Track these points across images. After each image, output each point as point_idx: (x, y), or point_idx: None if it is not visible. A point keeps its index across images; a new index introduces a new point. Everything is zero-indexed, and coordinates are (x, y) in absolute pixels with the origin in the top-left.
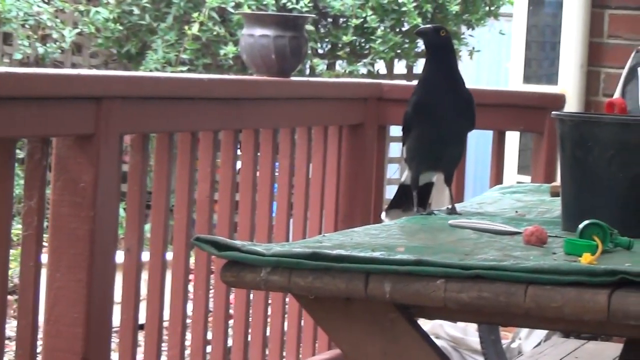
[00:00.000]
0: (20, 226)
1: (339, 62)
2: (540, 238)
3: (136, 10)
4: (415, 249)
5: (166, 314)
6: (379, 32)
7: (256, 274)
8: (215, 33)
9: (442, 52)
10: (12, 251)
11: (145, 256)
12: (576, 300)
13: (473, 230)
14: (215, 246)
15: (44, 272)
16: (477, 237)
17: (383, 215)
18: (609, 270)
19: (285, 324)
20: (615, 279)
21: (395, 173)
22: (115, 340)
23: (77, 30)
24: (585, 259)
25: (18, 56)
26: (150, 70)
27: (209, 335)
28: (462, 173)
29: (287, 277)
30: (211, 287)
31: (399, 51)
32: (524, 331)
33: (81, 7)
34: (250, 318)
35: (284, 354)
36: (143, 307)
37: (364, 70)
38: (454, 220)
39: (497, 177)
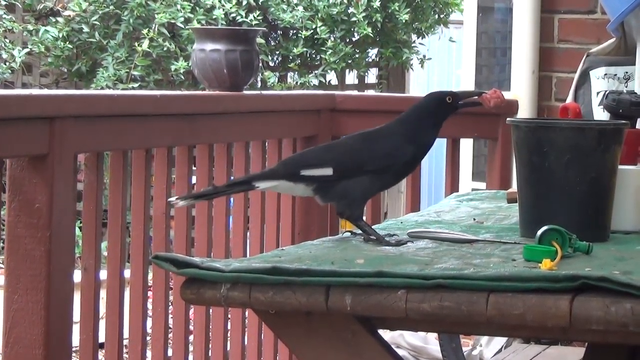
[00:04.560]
0: None
1: (290, 74)
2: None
3: (85, 28)
4: (374, 260)
5: (126, 332)
6: (329, 43)
7: (216, 291)
8: (165, 49)
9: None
10: None
11: (104, 274)
12: (538, 307)
13: (432, 240)
14: (174, 263)
15: (0, 294)
16: (436, 246)
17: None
18: (570, 276)
19: (246, 337)
20: (576, 284)
21: None
22: None
23: (26, 50)
24: (545, 265)
25: None
26: (102, 88)
27: (170, 352)
28: (418, 181)
29: (247, 293)
30: (170, 303)
31: (350, 61)
32: (484, 338)
33: (30, 27)
34: (210, 333)
35: None
36: (102, 325)
37: (315, 82)
38: (413, 230)
39: (452, 184)
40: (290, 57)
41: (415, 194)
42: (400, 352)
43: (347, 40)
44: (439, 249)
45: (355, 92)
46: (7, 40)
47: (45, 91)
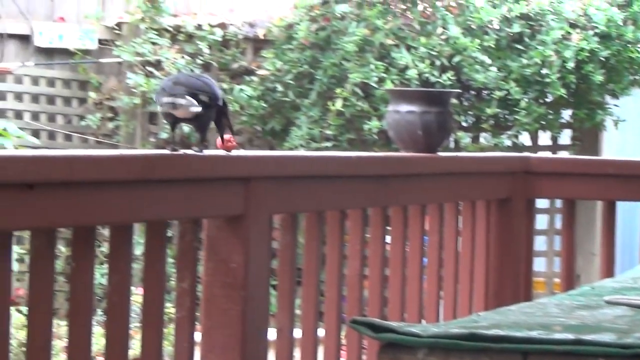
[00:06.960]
0: (169, 304)
1: (483, 134)
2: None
3: (279, 87)
4: (572, 328)
5: None
6: (522, 104)
7: (413, 356)
8: (358, 108)
9: None
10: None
11: (296, 332)
12: None
13: (629, 307)
14: (372, 328)
15: (197, 351)
16: (634, 314)
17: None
18: None
19: None
20: None
21: (542, 245)
22: None
23: None
24: None
25: (164, 135)
26: (295, 147)
27: None
28: (612, 243)
29: (445, 359)
30: None
31: (543, 122)
32: None
33: (225, 85)
34: None
35: None
36: None
37: (508, 143)
38: (610, 297)
39: None
40: (483, 118)
41: (609, 256)
42: None
43: (541, 101)
44: (637, 317)
45: (548, 154)
46: None
47: (241, 152)
